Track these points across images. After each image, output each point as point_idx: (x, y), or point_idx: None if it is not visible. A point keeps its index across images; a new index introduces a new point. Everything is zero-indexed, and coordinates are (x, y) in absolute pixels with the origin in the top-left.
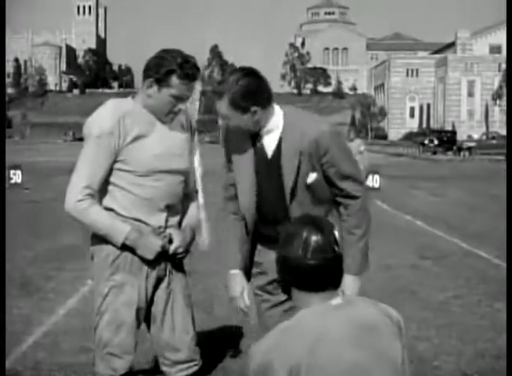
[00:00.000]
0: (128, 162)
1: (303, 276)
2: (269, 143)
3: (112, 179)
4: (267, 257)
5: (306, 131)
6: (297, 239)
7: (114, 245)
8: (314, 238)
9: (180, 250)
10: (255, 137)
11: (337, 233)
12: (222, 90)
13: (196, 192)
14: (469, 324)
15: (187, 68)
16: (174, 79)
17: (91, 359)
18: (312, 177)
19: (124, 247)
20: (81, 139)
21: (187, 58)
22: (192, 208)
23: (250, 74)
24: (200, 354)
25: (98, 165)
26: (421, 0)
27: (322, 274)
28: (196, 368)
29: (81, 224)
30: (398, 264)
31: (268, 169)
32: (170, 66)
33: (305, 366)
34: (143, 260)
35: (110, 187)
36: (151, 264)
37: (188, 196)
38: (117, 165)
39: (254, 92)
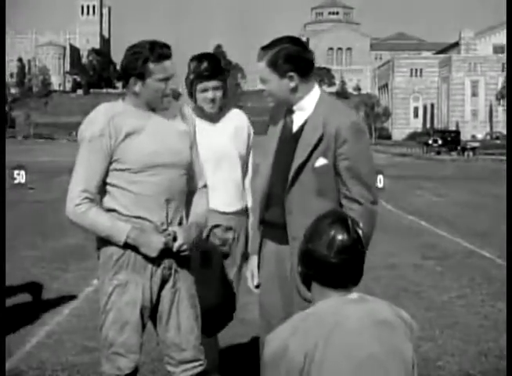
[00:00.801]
0: (122, 160)
1: (325, 273)
2: (298, 120)
3: (110, 180)
4: (267, 248)
5: (332, 117)
6: (323, 236)
7: (118, 245)
8: (340, 237)
9: (184, 247)
10: (289, 114)
11: (360, 232)
12: (262, 52)
13: (205, 186)
14: (472, 324)
15: (157, 49)
16: (152, 65)
17: (95, 359)
18: (321, 162)
19: (127, 247)
20: None
21: (153, 41)
22: (201, 206)
23: (297, 41)
24: (204, 354)
25: (93, 168)
26: (425, 0)
27: (344, 272)
28: (201, 368)
29: (83, 228)
30: (401, 264)
31: (287, 145)
32: (142, 57)
33: (320, 351)
34: (147, 258)
35: (109, 188)
36: (155, 262)
37: (193, 192)
38: (113, 165)
39: (295, 56)
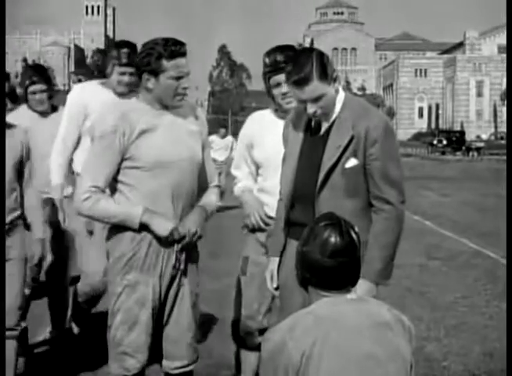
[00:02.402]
0: (135, 158)
1: (319, 276)
2: (324, 122)
3: (121, 178)
4: (291, 247)
5: (361, 118)
6: (317, 238)
7: (132, 231)
8: (333, 240)
9: (192, 231)
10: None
11: (355, 236)
12: (304, 75)
13: (218, 186)
14: (477, 324)
15: (170, 46)
16: (165, 62)
17: (101, 360)
18: (352, 162)
19: (142, 228)
20: None
21: (167, 39)
22: (210, 197)
23: (310, 49)
24: (198, 353)
25: (103, 164)
26: (430, 0)
27: (338, 275)
28: (191, 366)
29: (95, 220)
30: (406, 264)
31: (314, 147)
32: (155, 53)
33: (318, 350)
34: (159, 241)
35: (120, 186)
36: (166, 246)
37: (203, 192)
38: (126, 163)
39: (326, 58)
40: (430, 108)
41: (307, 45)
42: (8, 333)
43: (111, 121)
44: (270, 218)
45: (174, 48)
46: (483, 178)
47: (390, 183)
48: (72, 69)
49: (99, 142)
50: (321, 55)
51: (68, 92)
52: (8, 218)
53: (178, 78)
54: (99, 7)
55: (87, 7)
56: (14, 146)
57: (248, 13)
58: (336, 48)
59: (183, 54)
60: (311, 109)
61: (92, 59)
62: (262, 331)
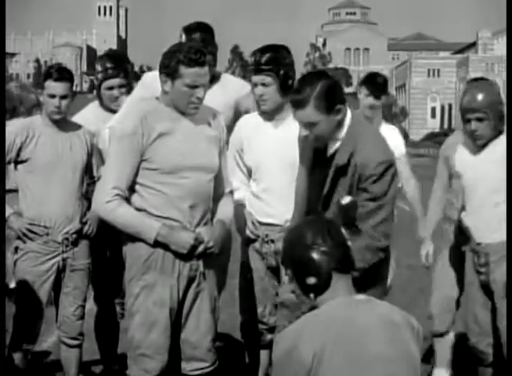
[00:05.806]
0: (153, 160)
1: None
2: (332, 144)
3: (139, 179)
4: None
5: (361, 150)
6: (304, 240)
7: (147, 244)
8: (320, 240)
9: (210, 244)
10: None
11: (344, 232)
12: (301, 98)
13: (231, 192)
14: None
15: (191, 54)
16: (183, 68)
17: (110, 359)
18: (347, 199)
19: (157, 244)
20: None
21: (191, 45)
22: (228, 207)
23: (322, 74)
24: (216, 357)
25: (124, 166)
26: (443, 0)
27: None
28: (209, 369)
29: (112, 224)
30: (418, 264)
31: (322, 164)
32: (176, 58)
33: (329, 350)
34: (177, 255)
35: (138, 187)
36: (184, 260)
37: (218, 197)
38: (143, 164)
39: (334, 88)
40: (442, 108)
41: (319, 45)
42: (71, 342)
43: (131, 122)
44: (261, 224)
45: (194, 56)
46: None
47: (374, 226)
48: (84, 69)
49: (119, 143)
50: (328, 83)
51: (81, 93)
52: (75, 228)
53: (194, 87)
54: (111, 8)
55: (99, 8)
56: (80, 149)
57: (261, 13)
58: (348, 49)
59: (202, 64)
60: (303, 132)
61: None
62: (271, 329)
